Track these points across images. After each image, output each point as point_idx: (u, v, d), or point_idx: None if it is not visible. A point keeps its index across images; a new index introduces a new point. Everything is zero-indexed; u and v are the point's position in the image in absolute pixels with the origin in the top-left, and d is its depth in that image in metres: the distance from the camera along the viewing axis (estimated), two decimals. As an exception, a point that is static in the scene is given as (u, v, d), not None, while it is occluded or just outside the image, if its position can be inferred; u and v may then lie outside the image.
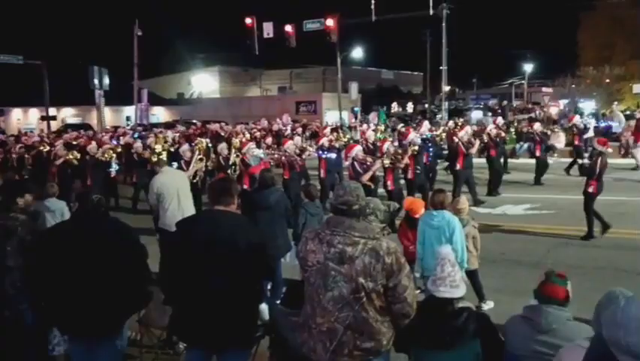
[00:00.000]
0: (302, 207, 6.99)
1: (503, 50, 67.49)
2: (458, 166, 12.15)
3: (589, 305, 2.84)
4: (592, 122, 21.87)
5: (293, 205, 7.91)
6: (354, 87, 39.67)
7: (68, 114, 43.87)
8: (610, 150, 9.77)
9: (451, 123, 19.54)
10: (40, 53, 34.61)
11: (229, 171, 11.63)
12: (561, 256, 8.30)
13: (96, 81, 28.60)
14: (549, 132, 16.17)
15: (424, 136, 13.67)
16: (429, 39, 44.98)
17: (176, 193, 7.36)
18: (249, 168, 10.56)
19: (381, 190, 10.59)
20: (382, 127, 23.22)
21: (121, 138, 19.57)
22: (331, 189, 11.87)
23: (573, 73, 45.06)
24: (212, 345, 3.66)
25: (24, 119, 43.39)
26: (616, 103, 33.53)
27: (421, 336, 3.23)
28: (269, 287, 6.41)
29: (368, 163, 9.84)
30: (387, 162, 10.29)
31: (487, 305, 6.33)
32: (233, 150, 12.04)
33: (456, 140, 12.48)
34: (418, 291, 5.84)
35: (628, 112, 29.69)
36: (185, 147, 11.69)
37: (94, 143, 14.32)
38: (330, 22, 27.82)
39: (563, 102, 38.48)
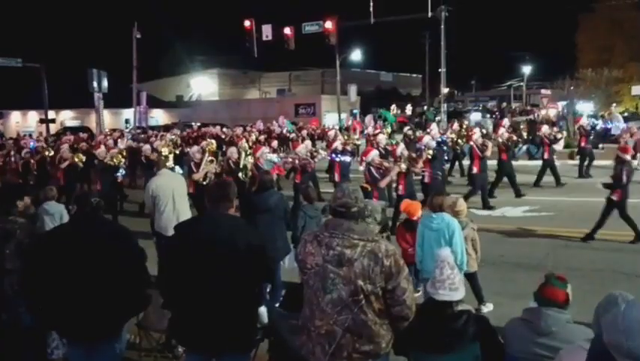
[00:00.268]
0: (301, 210, 6.99)
1: (502, 52, 67.68)
2: (475, 170, 12.06)
3: (588, 308, 2.85)
4: (599, 124, 21.85)
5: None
6: (353, 90, 39.74)
7: (67, 117, 43.86)
8: (629, 157, 9.68)
9: (455, 126, 19.43)
10: (39, 55, 34.63)
11: (240, 175, 11.54)
12: (561, 259, 8.29)
13: (95, 84, 28.63)
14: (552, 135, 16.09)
15: (439, 139, 13.63)
16: (427, 41, 45.10)
17: (171, 196, 7.32)
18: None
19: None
20: (389, 129, 23.16)
21: (118, 141, 19.53)
22: None
23: (572, 75, 45.04)
24: (212, 348, 3.65)
25: (23, 122, 43.41)
26: (614, 105, 33.58)
27: (420, 339, 3.22)
28: (268, 290, 6.41)
29: (384, 168, 9.65)
30: (404, 166, 10.08)
31: (487, 308, 6.33)
32: (243, 154, 11.96)
33: (471, 143, 12.40)
34: (418, 294, 5.85)
35: (627, 114, 29.73)
36: (195, 148, 11.56)
37: (102, 147, 14.15)
38: (328, 24, 27.86)
39: (561, 104, 38.50)
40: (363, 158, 10.15)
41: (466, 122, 23.98)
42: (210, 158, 11.06)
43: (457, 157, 16.71)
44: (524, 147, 19.64)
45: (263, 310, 5.22)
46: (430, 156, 11.08)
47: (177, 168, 11.80)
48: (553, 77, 51.78)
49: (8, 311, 4.41)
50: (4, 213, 4.74)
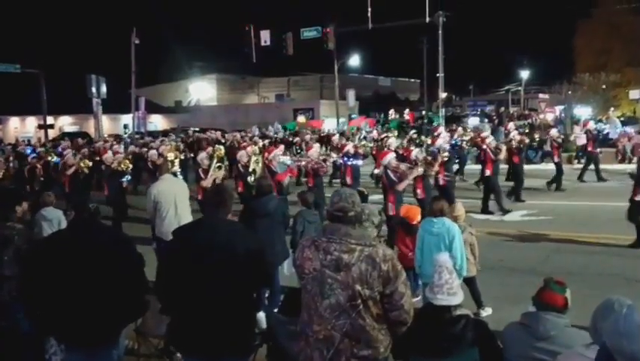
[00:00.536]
0: (299, 215, 6.99)
1: (500, 56, 67.90)
2: (488, 172, 12.04)
3: (588, 312, 2.84)
4: (606, 129, 21.82)
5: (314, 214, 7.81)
6: (351, 94, 39.81)
7: (66, 123, 43.91)
8: None
9: (460, 130, 19.41)
10: (38, 61, 34.68)
11: (249, 179, 11.46)
12: (559, 263, 8.29)
13: (94, 89, 28.65)
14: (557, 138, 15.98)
15: (452, 142, 13.57)
16: (425, 46, 45.13)
17: (173, 202, 7.32)
18: (276, 175, 10.31)
19: (411, 199, 10.29)
20: (395, 132, 23.11)
21: (114, 146, 19.50)
22: None
23: (570, 79, 45.26)
24: (210, 354, 3.64)
25: (21, 127, 43.43)
26: (612, 109, 33.69)
27: (418, 344, 3.22)
28: (266, 295, 6.40)
29: (401, 171, 9.47)
30: (421, 169, 9.97)
31: (486, 312, 6.32)
32: (252, 158, 11.87)
33: (484, 146, 12.36)
34: (417, 298, 5.84)
35: (623, 118, 29.80)
36: (203, 154, 11.43)
37: (110, 152, 13.99)
38: (327, 30, 27.93)
39: (558, 109, 38.62)
40: (380, 161, 10.01)
41: (471, 126, 24.01)
42: (218, 164, 10.98)
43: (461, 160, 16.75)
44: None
45: (261, 315, 5.21)
46: (445, 159, 11.01)
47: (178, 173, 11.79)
48: (551, 82, 52.08)
49: (6, 318, 4.40)
50: (2, 219, 4.73)
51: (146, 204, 7.59)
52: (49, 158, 15.38)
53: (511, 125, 19.31)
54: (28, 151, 19.83)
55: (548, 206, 12.51)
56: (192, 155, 16.92)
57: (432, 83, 41.79)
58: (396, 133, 22.46)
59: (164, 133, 32.07)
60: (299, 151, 19.59)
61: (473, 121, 37.58)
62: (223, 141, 22.32)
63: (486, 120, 37.00)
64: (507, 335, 3.38)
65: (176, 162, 12.70)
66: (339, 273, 3.10)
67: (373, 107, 52.91)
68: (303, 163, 11.79)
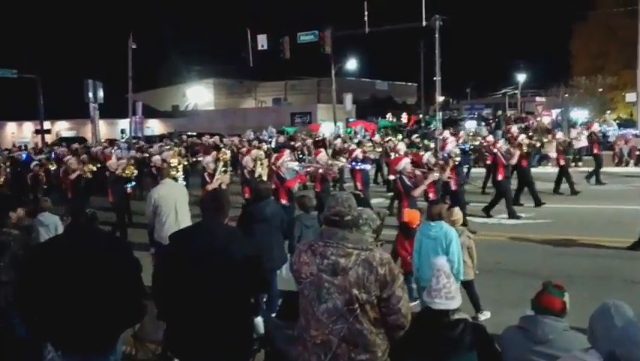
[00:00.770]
0: (297, 220, 6.99)
1: (497, 60, 68.06)
2: (500, 177, 11.94)
3: (587, 315, 2.84)
4: (610, 131, 21.73)
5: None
6: (348, 98, 39.85)
7: (63, 128, 43.87)
8: None
9: (462, 134, 19.37)
10: (35, 66, 34.64)
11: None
12: (558, 266, 8.29)
13: (91, 94, 28.63)
14: (545, 141, 16.06)
15: (463, 146, 13.48)
16: (422, 50, 45.26)
17: (173, 207, 7.29)
18: (285, 182, 10.17)
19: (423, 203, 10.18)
20: (400, 136, 23.04)
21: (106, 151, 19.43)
22: (367, 203, 11.71)
23: (566, 82, 45.43)
24: (208, 359, 3.63)
25: (18, 132, 43.40)
26: (608, 112, 33.78)
27: (417, 348, 3.21)
28: (264, 300, 6.39)
29: (416, 176, 9.33)
30: (437, 175, 9.83)
31: (484, 316, 6.31)
32: (258, 163, 11.76)
33: (494, 150, 12.29)
34: (414, 303, 5.83)
35: (618, 121, 29.87)
36: (209, 158, 11.37)
37: (114, 158, 13.83)
38: (324, 34, 27.98)
39: (555, 112, 38.72)
40: (394, 167, 9.80)
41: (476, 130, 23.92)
42: (224, 168, 10.88)
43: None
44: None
45: (259, 320, 5.20)
46: (457, 163, 10.90)
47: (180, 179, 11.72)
48: (548, 85, 52.25)
49: (3, 323, 4.39)
50: (-2, 225, 4.73)
51: (146, 208, 7.56)
52: (50, 166, 15.23)
53: (514, 128, 19.25)
54: (24, 156, 19.73)
55: (546, 209, 12.53)
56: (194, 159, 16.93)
57: (429, 87, 41.86)
58: (400, 137, 22.40)
59: (160, 138, 32.01)
60: (301, 156, 19.51)
61: (470, 125, 37.65)
62: (222, 146, 22.25)
63: (483, 124, 37.10)
64: (505, 338, 3.37)
65: (180, 167, 12.64)
66: (336, 277, 3.10)
67: (370, 111, 52.99)
68: (312, 169, 11.62)
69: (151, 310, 4.07)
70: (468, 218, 10.30)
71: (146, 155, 17.91)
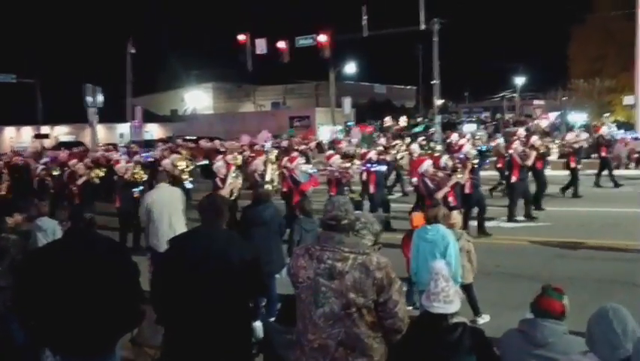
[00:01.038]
0: (296, 224, 6.99)
1: (495, 63, 68.01)
2: (514, 178, 11.77)
3: (586, 318, 2.83)
4: (619, 134, 21.67)
5: None
6: (347, 102, 39.87)
7: (62, 132, 43.80)
8: None
9: (468, 136, 19.26)
10: (34, 71, 34.68)
11: (267, 188, 11.18)
12: (557, 269, 8.29)
13: (90, 99, 28.61)
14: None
15: (480, 148, 13.36)
16: (421, 53, 45.39)
17: (167, 211, 7.25)
18: (300, 185, 10.10)
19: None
20: (408, 140, 22.89)
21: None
22: (381, 206, 11.53)
23: (564, 85, 45.50)
24: (207, 364, 3.62)
25: (17, 137, 43.32)
26: (606, 115, 33.82)
27: (415, 352, 3.20)
28: (263, 304, 6.38)
29: (439, 179, 9.18)
30: (460, 176, 9.71)
31: (483, 319, 6.30)
32: (269, 167, 11.62)
33: (510, 151, 12.15)
34: (411, 307, 5.82)
35: (616, 124, 29.89)
36: (220, 163, 11.15)
37: (122, 162, 13.44)
38: (322, 38, 28.05)
39: (553, 115, 38.76)
40: (416, 169, 9.62)
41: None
42: (236, 173, 10.74)
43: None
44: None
45: (258, 324, 5.18)
46: (475, 166, 10.74)
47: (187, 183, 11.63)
48: (546, 88, 52.38)
49: (1, 328, 4.38)
50: (-4, 230, 4.72)
51: (139, 212, 7.52)
52: (53, 172, 15.08)
53: (521, 130, 19.10)
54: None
55: (545, 212, 12.51)
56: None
57: (427, 90, 41.99)
58: (408, 140, 22.26)
59: (153, 143, 31.89)
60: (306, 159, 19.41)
61: (469, 128, 37.69)
62: (222, 150, 22.14)
63: (482, 127, 37.15)
64: (504, 342, 3.36)
65: (187, 170, 12.53)
66: (333, 281, 3.10)
67: (369, 114, 52.98)
68: (327, 172, 11.44)
69: (149, 314, 4.06)
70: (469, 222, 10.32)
71: (153, 159, 17.72)
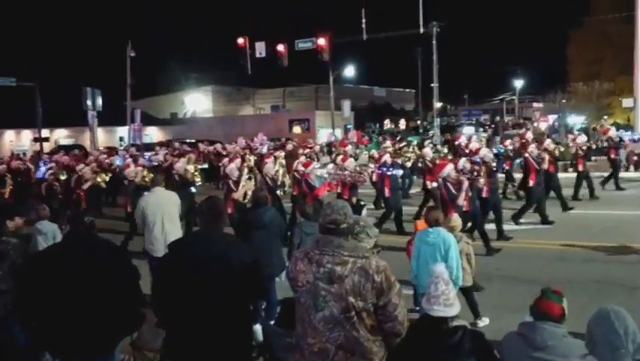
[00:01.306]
0: (297, 227, 7.00)
1: (494, 66, 68.20)
2: (531, 182, 11.58)
3: (585, 320, 2.84)
4: (629, 136, 21.62)
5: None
6: (346, 105, 39.90)
7: (61, 135, 43.80)
8: None
9: (474, 138, 19.18)
10: (33, 74, 34.64)
11: (279, 192, 11.04)
12: (556, 271, 8.29)
13: (89, 102, 28.61)
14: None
15: (496, 151, 13.12)
16: (420, 56, 45.41)
17: (160, 216, 7.21)
18: (314, 190, 10.01)
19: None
20: (415, 142, 22.82)
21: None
22: (395, 209, 11.45)
23: (563, 88, 45.53)
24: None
25: (17, 140, 43.34)
26: (605, 117, 33.87)
27: (415, 355, 3.20)
28: (263, 307, 6.38)
29: (460, 183, 8.90)
30: (482, 180, 9.55)
31: (483, 322, 6.30)
32: (280, 170, 11.51)
33: (526, 155, 11.99)
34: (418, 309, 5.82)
35: (614, 127, 29.90)
36: (233, 166, 11.07)
37: (132, 167, 13.27)
38: (321, 41, 28.06)
39: (552, 117, 38.81)
40: (438, 173, 9.40)
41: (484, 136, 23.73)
42: (249, 175, 10.64)
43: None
44: (518, 160, 19.67)
45: (258, 327, 5.19)
46: (494, 169, 10.61)
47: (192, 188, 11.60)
48: (545, 91, 52.40)
49: (2, 331, 4.38)
50: (-4, 234, 4.72)
51: (135, 216, 7.49)
52: (60, 176, 15.03)
53: (529, 134, 18.96)
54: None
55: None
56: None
57: (427, 93, 42.05)
58: (415, 142, 22.15)
59: (161, 145, 31.94)
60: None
61: (468, 130, 37.73)
62: (224, 152, 22.07)
63: (481, 130, 37.18)
64: (504, 345, 3.36)
65: (197, 173, 12.48)
66: (333, 285, 3.10)
67: (369, 117, 53.04)
68: (341, 175, 11.26)
69: (149, 318, 4.06)
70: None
71: (157, 163, 17.63)
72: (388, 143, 19.87)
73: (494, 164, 10.78)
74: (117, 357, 4.14)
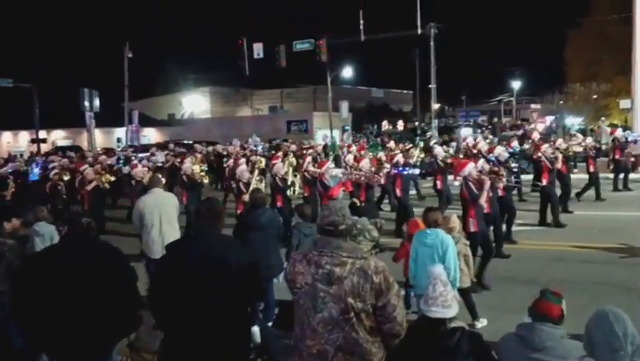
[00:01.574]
0: (295, 228, 7.00)
1: (491, 67, 68.32)
2: (545, 182, 11.52)
3: (584, 321, 2.84)
4: (633, 136, 21.62)
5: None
6: (344, 106, 39.92)
7: (59, 137, 43.77)
8: None
9: (479, 138, 19.13)
10: (30, 75, 34.64)
11: (288, 193, 10.96)
12: (554, 272, 8.29)
13: (87, 103, 28.59)
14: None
15: (513, 150, 13.04)
16: (418, 58, 45.48)
17: (158, 217, 7.19)
18: (329, 190, 9.95)
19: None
20: (421, 144, 22.73)
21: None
22: (407, 211, 11.30)
23: (561, 89, 45.68)
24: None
25: (14, 142, 43.28)
26: (602, 119, 33.93)
27: (413, 357, 3.20)
28: (261, 308, 6.37)
29: (482, 182, 8.63)
30: (505, 180, 9.41)
31: (481, 323, 6.30)
32: (290, 170, 11.44)
33: (538, 154, 11.90)
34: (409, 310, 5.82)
35: (611, 128, 29.95)
36: (243, 167, 11.05)
37: (140, 167, 13.23)
38: (319, 42, 28.09)
39: (549, 118, 38.90)
40: (459, 172, 9.20)
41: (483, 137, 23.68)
42: (259, 177, 10.56)
43: None
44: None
45: (255, 329, 5.18)
46: (513, 169, 10.53)
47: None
48: (543, 92, 52.59)
49: (0, 332, 4.37)
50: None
51: (132, 218, 7.46)
52: (63, 176, 14.98)
53: (535, 134, 18.83)
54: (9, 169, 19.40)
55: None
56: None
57: (424, 94, 42.05)
58: (421, 144, 22.09)
59: (159, 147, 31.90)
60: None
61: (466, 131, 37.78)
62: (225, 153, 22.00)
63: (479, 131, 37.21)
64: (502, 346, 3.36)
65: (203, 174, 12.45)
66: (332, 286, 3.10)
67: (366, 118, 53.10)
68: (356, 176, 11.20)
69: (147, 319, 4.05)
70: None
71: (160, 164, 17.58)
72: (392, 144, 19.79)
73: (515, 164, 10.68)
74: (115, 359, 4.13)
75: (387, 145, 20.02)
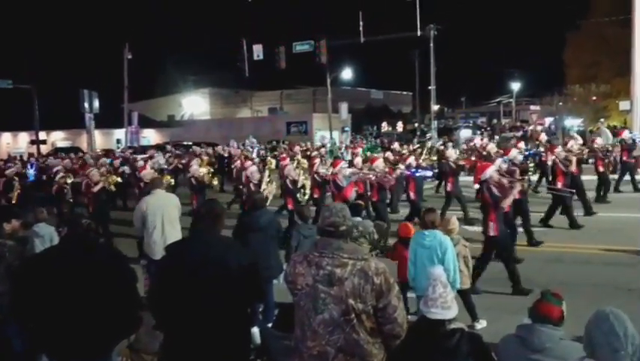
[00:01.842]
0: (295, 229, 7.00)
1: (491, 68, 68.35)
2: (560, 185, 11.33)
3: (583, 322, 2.84)
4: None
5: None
6: (344, 107, 39.97)
7: (58, 138, 43.78)
8: None
9: (477, 140, 19.03)
10: (30, 77, 34.62)
11: (298, 195, 10.93)
12: (554, 273, 8.29)
13: (86, 104, 28.62)
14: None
15: (527, 152, 12.95)
16: (417, 59, 45.51)
17: (160, 218, 7.20)
18: (342, 190, 9.91)
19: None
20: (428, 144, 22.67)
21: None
22: (419, 215, 11.42)
23: (560, 91, 45.70)
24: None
25: (14, 143, 43.31)
26: (602, 120, 33.97)
27: (413, 358, 3.20)
28: (260, 310, 6.37)
29: (503, 185, 8.45)
30: (526, 184, 9.27)
31: (480, 325, 6.29)
32: (301, 172, 11.40)
33: (552, 157, 11.79)
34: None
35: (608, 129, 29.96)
36: (253, 168, 11.00)
37: (148, 168, 13.14)
38: (319, 43, 28.13)
39: (548, 120, 38.91)
40: (479, 175, 9.01)
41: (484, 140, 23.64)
42: (270, 178, 10.54)
43: None
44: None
45: (255, 330, 5.18)
46: (531, 171, 10.41)
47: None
48: (542, 93, 52.63)
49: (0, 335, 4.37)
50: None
51: (133, 219, 7.46)
52: (67, 179, 14.92)
53: (542, 136, 18.70)
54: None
55: (540, 217, 12.47)
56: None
57: (424, 96, 42.11)
58: (428, 144, 22.03)
59: (158, 148, 31.90)
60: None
61: (465, 133, 37.80)
62: (226, 155, 21.96)
63: (478, 132, 37.24)
64: (502, 347, 3.36)
65: (208, 175, 12.43)
66: (332, 287, 3.10)
67: (366, 120, 53.12)
68: (370, 176, 11.09)
69: (147, 320, 4.05)
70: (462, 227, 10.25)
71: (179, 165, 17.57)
72: (396, 145, 19.66)
73: (532, 165, 10.58)
74: (114, 360, 4.13)
75: (392, 147, 19.87)
